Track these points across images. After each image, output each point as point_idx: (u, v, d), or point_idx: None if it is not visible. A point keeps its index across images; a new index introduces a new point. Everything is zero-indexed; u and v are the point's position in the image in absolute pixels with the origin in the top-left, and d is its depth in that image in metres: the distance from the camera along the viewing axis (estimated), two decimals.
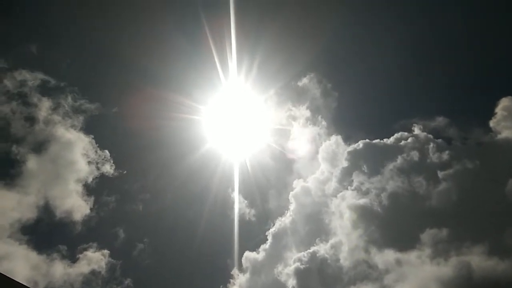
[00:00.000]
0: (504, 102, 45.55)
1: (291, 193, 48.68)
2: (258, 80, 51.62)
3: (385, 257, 37.41)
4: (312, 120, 53.04)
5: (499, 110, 45.30)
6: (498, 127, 44.56)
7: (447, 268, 34.29)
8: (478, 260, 34.06)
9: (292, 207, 47.76)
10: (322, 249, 42.83)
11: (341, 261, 40.47)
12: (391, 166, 44.52)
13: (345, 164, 47.46)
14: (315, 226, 46.41)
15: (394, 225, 40.06)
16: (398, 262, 36.51)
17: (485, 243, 34.82)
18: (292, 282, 41.48)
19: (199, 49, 49.07)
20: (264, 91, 53.32)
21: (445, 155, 43.42)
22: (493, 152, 42.56)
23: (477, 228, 36.09)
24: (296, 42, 52.80)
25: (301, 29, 52.33)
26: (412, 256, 36.36)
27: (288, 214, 47.60)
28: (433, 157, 44.15)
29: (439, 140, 45.73)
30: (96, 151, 46.76)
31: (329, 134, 51.65)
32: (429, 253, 35.90)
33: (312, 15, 52.26)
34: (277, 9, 52.69)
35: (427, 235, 36.89)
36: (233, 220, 47.57)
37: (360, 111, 57.95)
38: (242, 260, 45.55)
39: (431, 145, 45.06)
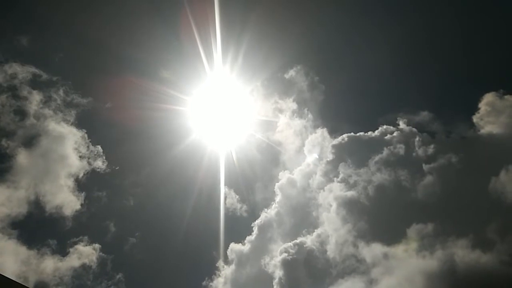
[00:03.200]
0: (487, 98, 46.29)
1: (276, 184, 49.06)
2: (244, 72, 51.63)
3: (371, 248, 38.10)
4: (299, 113, 53.21)
5: (482, 105, 46.08)
6: (482, 122, 45.42)
7: (432, 261, 35.16)
8: (462, 253, 34.99)
9: (277, 198, 48.16)
10: (308, 240, 43.34)
11: (328, 252, 41.12)
12: (375, 159, 45.06)
13: (330, 157, 47.91)
14: (301, 217, 46.87)
15: (378, 217, 40.72)
16: (385, 255, 37.24)
17: (468, 237, 35.76)
18: (279, 273, 41.91)
19: (184, 40, 48.59)
20: (250, 83, 53.25)
21: (430, 149, 44.17)
22: (476, 147, 43.45)
23: (461, 222, 36.98)
24: (283, 34, 52.73)
25: (289, 20, 52.27)
26: (398, 249, 37.06)
27: (273, 206, 48.00)
28: (418, 150, 44.87)
29: (424, 134, 46.50)
30: (88, 146, 46.35)
31: (315, 127, 51.94)
32: (415, 246, 36.69)
33: (300, 6, 52.11)
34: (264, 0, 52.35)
35: (413, 230, 37.65)
36: (219, 212, 47.66)
37: (346, 104, 58.42)
38: (228, 252, 45.88)
39: (417, 138, 45.74)
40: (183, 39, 48.57)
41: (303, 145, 51.30)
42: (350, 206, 42.49)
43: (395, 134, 46.76)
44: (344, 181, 44.96)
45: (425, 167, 42.44)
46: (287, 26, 52.23)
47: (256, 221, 47.21)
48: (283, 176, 49.53)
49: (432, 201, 39.43)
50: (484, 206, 37.09)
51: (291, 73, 53.27)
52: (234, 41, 48.68)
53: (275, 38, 52.71)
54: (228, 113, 54.61)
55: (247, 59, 50.01)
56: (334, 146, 48.09)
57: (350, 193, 43.42)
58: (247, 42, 49.38)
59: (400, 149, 44.99)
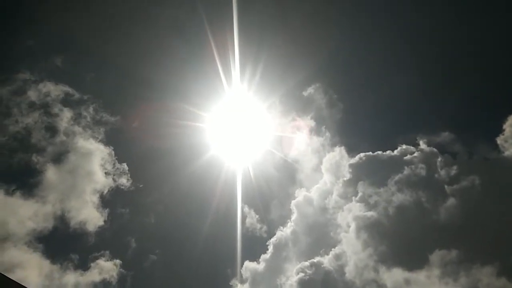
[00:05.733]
0: None
1: (292, 202, 48.48)
2: (262, 89, 51.44)
3: (392, 273, 37.23)
4: (316, 131, 52.81)
5: (507, 127, 44.98)
6: (506, 144, 44.30)
7: None
8: (486, 281, 33.95)
9: (293, 216, 47.57)
10: (326, 260, 42.62)
11: (346, 274, 40.35)
12: (395, 179, 44.19)
13: (347, 176, 47.29)
14: (317, 237, 46.17)
15: (399, 240, 39.84)
16: (406, 280, 36.31)
17: (494, 264, 34.67)
18: None
19: (204, 59, 49.15)
20: (268, 100, 53.05)
21: (453, 170, 43.22)
22: (501, 169, 42.35)
23: (486, 248, 35.87)
24: (302, 51, 52.61)
25: (307, 38, 52.09)
26: (420, 275, 36.13)
27: (289, 224, 47.39)
28: (440, 171, 43.94)
29: (445, 155, 45.58)
30: (114, 164, 46.94)
31: (333, 145, 51.39)
32: (438, 273, 35.74)
33: (320, 25, 52.00)
34: (282, 17, 52.61)
35: (436, 255, 36.65)
36: (235, 229, 47.22)
37: (364, 123, 57.75)
38: (242, 270, 45.30)
39: (438, 159, 44.85)
40: (203, 58, 49.13)
41: (321, 163, 50.74)
42: (368, 227, 41.76)
43: (415, 154, 45.98)
44: (362, 200, 44.25)
45: (448, 188, 41.63)
46: (306, 44, 52.25)
47: (272, 239, 46.78)
48: (300, 194, 49.08)
49: (455, 225, 38.44)
50: (510, 232, 35.99)
51: (310, 90, 53.10)
52: (253, 59, 48.79)
53: (294, 55, 52.74)
54: (246, 130, 54.51)
55: (265, 76, 50.00)
56: (351, 166, 47.44)
57: (369, 214, 42.74)
58: (265, 60, 49.38)
59: (421, 169, 44.16)
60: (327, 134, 52.41)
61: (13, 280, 21.19)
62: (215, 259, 48.08)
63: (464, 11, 52.78)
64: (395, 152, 47.21)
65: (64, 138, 45.84)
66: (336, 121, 53.49)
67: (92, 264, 42.62)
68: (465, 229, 37.97)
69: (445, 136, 47.94)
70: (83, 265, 42.35)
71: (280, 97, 52.85)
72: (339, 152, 50.40)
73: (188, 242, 48.89)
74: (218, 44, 46.31)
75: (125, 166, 47.10)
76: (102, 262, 43.00)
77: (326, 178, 49.33)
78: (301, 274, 41.89)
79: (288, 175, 51.98)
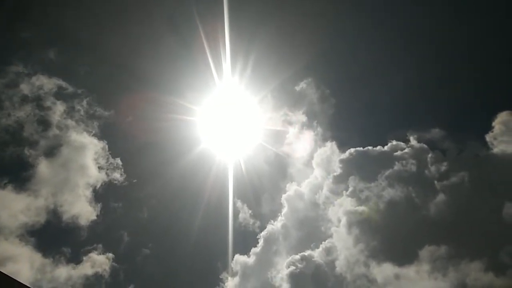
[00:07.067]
0: (501, 117, 45.61)
1: (283, 196, 48.73)
2: (254, 83, 51.48)
3: (382, 268, 37.71)
4: (308, 125, 52.97)
5: (496, 124, 45.52)
6: (495, 141, 44.76)
7: (444, 284, 34.73)
8: (474, 276, 34.55)
9: (284, 210, 47.81)
10: (316, 253, 42.99)
11: (337, 268, 40.78)
12: (385, 174, 44.68)
13: (337, 171, 47.61)
14: (307, 231, 46.51)
15: (389, 235, 40.32)
16: (396, 275, 36.82)
17: (482, 260, 35.30)
18: (286, 286, 41.59)
19: (195, 52, 48.93)
20: (260, 94, 53.03)
21: (443, 166, 43.74)
22: (490, 165, 42.88)
23: (474, 244, 36.47)
24: (294, 46, 52.52)
25: (300, 32, 51.88)
26: (410, 270, 36.67)
27: (280, 218, 47.65)
28: (431, 167, 44.46)
29: (435, 151, 46.03)
30: (107, 158, 46.89)
31: (324, 140, 51.62)
32: (427, 268, 36.29)
33: (312, 19, 51.93)
34: (275, 11, 52.32)
35: (425, 251, 37.18)
36: (227, 223, 47.36)
37: (356, 119, 58.02)
38: (232, 264, 45.52)
39: (429, 155, 45.33)
40: (195, 52, 48.85)
41: (312, 157, 50.97)
42: (359, 222, 42.18)
43: (406, 150, 46.39)
44: (353, 195, 44.65)
45: (438, 184, 42.12)
46: (299, 38, 52.11)
47: (262, 232, 47.05)
48: (291, 188, 49.34)
49: (445, 221, 38.97)
50: (498, 228, 36.62)
51: (302, 85, 53.17)
52: (244, 53, 48.72)
53: (286, 49, 52.73)
54: (238, 124, 54.53)
55: (256, 70, 49.99)
56: (341, 161, 47.75)
57: (359, 208, 43.15)
58: (257, 53, 49.34)
59: (412, 165, 44.63)
60: (319, 129, 52.71)
61: (4, 274, 21.13)
62: (207, 253, 48.40)
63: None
64: (386, 147, 47.68)
65: (57, 131, 45.77)
66: (328, 116, 53.76)
67: (84, 258, 42.71)
68: (454, 225, 38.55)
69: (435, 132, 48.34)
70: (76, 259, 42.38)
71: (271, 91, 52.85)
72: (330, 147, 50.73)
73: (181, 236, 49.10)
74: (210, 38, 46.16)
75: (118, 160, 47.17)
76: (94, 255, 43.14)
77: (317, 172, 49.68)
78: (292, 267, 42.23)
79: (279, 169, 52.27)
